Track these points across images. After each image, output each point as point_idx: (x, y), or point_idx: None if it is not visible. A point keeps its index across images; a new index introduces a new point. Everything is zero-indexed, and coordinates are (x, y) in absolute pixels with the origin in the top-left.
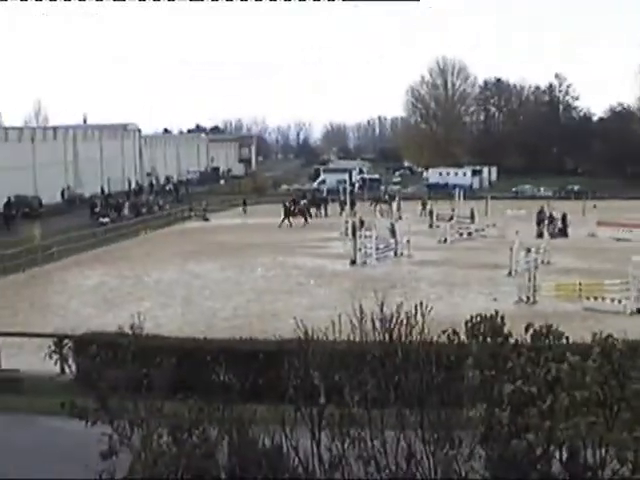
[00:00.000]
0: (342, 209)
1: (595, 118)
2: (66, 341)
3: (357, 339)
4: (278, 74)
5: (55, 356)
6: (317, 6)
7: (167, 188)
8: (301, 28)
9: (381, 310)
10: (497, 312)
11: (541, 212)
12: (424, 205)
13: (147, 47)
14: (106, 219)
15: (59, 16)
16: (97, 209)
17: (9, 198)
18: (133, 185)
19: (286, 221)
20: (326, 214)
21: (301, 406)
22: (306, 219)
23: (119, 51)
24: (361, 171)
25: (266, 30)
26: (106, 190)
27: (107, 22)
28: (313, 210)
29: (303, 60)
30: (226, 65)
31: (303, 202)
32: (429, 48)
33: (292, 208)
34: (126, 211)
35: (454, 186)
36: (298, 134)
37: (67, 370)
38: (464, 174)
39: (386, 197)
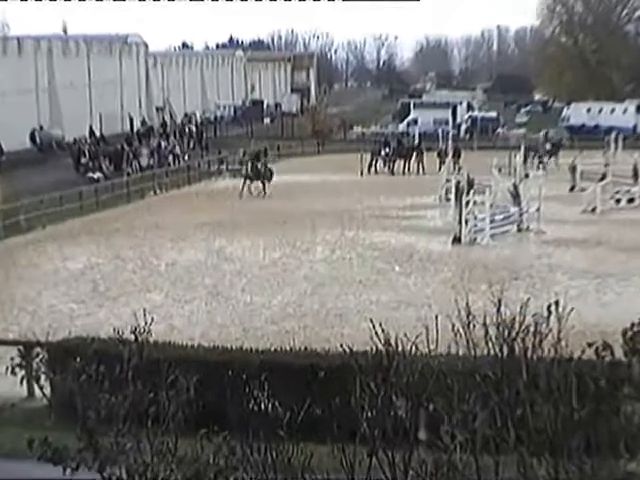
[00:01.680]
0: (442, 162)
1: None
2: (37, 350)
3: (462, 353)
4: None
5: (20, 372)
6: None
7: (186, 130)
8: None
9: (497, 311)
10: None
11: None
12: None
13: None
14: (97, 174)
15: None
16: (84, 159)
17: None
18: (137, 125)
19: (247, 187)
20: (419, 169)
21: (379, 448)
22: (264, 186)
23: None
24: (470, 107)
25: None
26: (97, 132)
27: None
28: (399, 163)
29: None
30: None
31: (385, 152)
32: None
33: (258, 167)
34: (144, 161)
35: (609, 129)
36: (378, 52)
37: (38, 393)
38: (624, 111)
39: (547, 146)
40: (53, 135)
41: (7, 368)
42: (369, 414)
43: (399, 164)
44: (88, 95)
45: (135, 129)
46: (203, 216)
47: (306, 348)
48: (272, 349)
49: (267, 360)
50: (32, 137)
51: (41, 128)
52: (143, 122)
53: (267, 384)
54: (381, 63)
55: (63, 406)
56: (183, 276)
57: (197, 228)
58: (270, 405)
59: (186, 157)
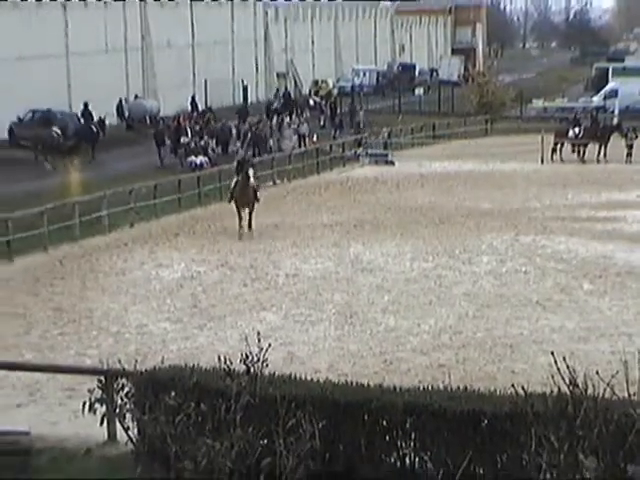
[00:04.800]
0: None
1: None
2: (122, 382)
3: None
4: None
5: (100, 409)
6: None
7: (312, 102)
8: None
9: None
10: None
11: None
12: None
13: None
14: (201, 158)
15: None
16: (184, 139)
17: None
18: (252, 96)
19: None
20: (629, 156)
21: None
22: (251, 205)
23: None
24: None
25: None
26: (201, 104)
27: None
28: (592, 147)
29: None
30: None
31: (574, 133)
32: None
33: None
34: (286, 144)
35: None
36: (568, 1)
37: (121, 435)
38: None
39: None
40: (147, 107)
41: (84, 404)
42: (548, 475)
43: (592, 149)
44: (191, 57)
45: (248, 100)
46: (334, 213)
47: (465, 388)
48: (421, 388)
49: (414, 402)
50: (119, 109)
51: (135, 97)
52: (276, 94)
53: (414, 433)
54: (571, 15)
55: (153, 453)
56: (308, 291)
57: (326, 229)
58: (417, 459)
59: (314, 137)
